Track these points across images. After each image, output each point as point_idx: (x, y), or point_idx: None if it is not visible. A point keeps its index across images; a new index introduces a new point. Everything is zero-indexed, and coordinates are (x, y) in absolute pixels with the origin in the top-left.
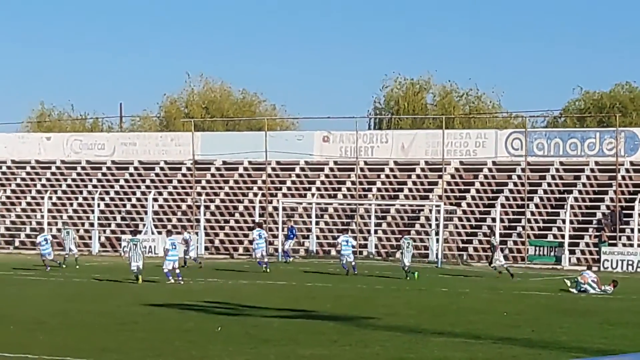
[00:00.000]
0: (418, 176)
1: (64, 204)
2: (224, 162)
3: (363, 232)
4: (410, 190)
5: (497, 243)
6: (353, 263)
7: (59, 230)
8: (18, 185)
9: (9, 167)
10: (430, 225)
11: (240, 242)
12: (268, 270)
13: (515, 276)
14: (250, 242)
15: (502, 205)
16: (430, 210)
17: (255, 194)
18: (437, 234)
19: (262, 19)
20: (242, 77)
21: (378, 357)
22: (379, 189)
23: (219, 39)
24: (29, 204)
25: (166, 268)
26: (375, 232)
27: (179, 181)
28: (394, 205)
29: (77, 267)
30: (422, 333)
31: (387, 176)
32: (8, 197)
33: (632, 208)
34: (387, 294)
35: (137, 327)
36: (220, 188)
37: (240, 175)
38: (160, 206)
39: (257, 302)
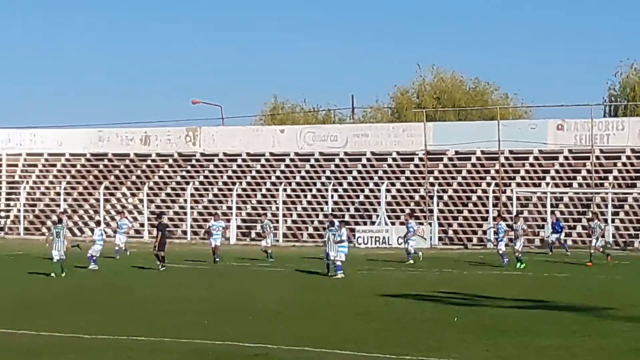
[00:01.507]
0: None
1: (297, 196)
2: (456, 152)
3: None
4: None
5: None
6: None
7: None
8: (253, 177)
9: (244, 160)
10: None
11: (474, 233)
12: (412, 261)
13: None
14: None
15: None
16: None
17: (489, 184)
18: None
19: (491, 8)
20: (474, 67)
21: (619, 348)
22: (615, 177)
23: (448, 29)
24: (264, 196)
25: (339, 260)
26: (613, 221)
27: (412, 172)
28: (631, 193)
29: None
30: None
31: (624, 164)
32: (244, 190)
33: None
34: (627, 285)
35: (374, 317)
36: (453, 178)
37: (473, 165)
38: (393, 197)
39: (492, 292)
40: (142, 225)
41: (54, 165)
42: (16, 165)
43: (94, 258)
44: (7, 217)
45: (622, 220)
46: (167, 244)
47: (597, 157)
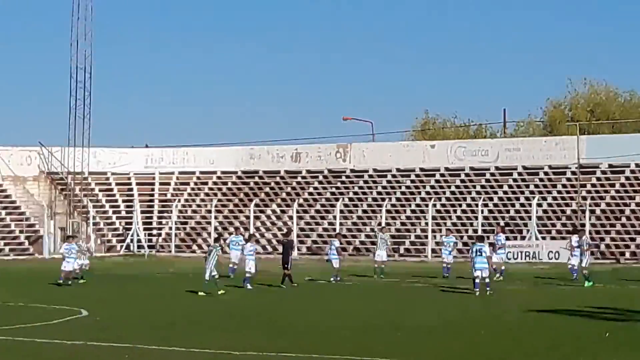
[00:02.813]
0: None
1: (447, 211)
2: (610, 165)
3: None
4: None
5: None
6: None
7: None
8: (403, 193)
9: (394, 176)
10: None
11: (627, 247)
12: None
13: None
14: None
15: None
16: None
17: None
18: None
19: None
20: (629, 79)
21: None
22: None
23: (600, 41)
24: (413, 211)
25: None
26: None
27: (563, 185)
28: None
29: None
30: None
31: None
32: (393, 205)
33: None
34: None
35: (523, 333)
36: (606, 192)
37: (627, 178)
38: (545, 211)
39: None
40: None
41: (206, 184)
42: (169, 184)
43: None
44: (159, 234)
45: None
46: (291, 262)
47: None
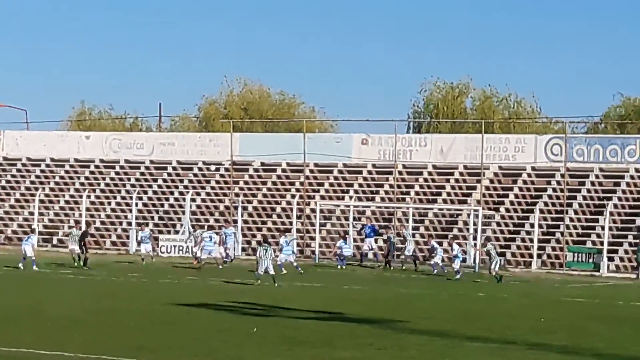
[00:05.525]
0: (457, 180)
1: (102, 203)
2: (262, 164)
3: (400, 235)
4: (448, 194)
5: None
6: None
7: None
8: (57, 183)
9: (47, 165)
10: (468, 229)
11: (277, 244)
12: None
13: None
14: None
15: (541, 211)
16: (469, 215)
17: (293, 196)
18: (474, 238)
19: (301, 21)
20: (281, 79)
21: None
22: (417, 193)
23: (257, 40)
24: (67, 202)
25: None
26: (413, 235)
27: (217, 182)
28: (432, 209)
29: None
30: (457, 337)
31: (426, 180)
32: (47, 195)
33: None
34: (424, 298)
35: (173, 326)
36: (258, 189)
37: (278, 176)
38: (198, 206)
39: (292, 304)
40: None
41: None
42: None
43: None
44: None
45: (422, 235)
46: None
47: (400, 172)
